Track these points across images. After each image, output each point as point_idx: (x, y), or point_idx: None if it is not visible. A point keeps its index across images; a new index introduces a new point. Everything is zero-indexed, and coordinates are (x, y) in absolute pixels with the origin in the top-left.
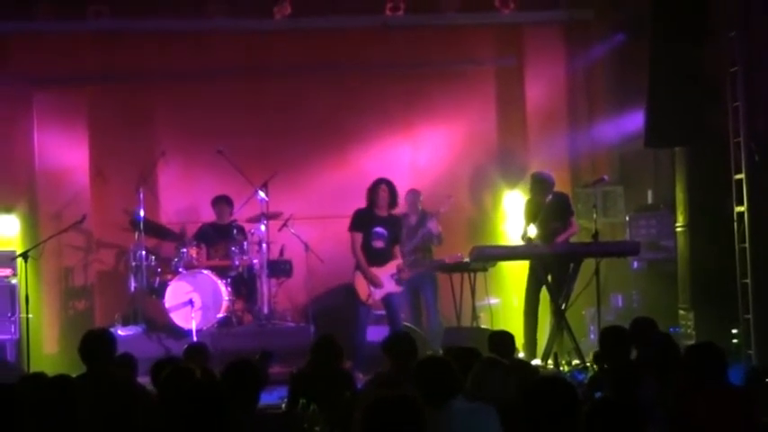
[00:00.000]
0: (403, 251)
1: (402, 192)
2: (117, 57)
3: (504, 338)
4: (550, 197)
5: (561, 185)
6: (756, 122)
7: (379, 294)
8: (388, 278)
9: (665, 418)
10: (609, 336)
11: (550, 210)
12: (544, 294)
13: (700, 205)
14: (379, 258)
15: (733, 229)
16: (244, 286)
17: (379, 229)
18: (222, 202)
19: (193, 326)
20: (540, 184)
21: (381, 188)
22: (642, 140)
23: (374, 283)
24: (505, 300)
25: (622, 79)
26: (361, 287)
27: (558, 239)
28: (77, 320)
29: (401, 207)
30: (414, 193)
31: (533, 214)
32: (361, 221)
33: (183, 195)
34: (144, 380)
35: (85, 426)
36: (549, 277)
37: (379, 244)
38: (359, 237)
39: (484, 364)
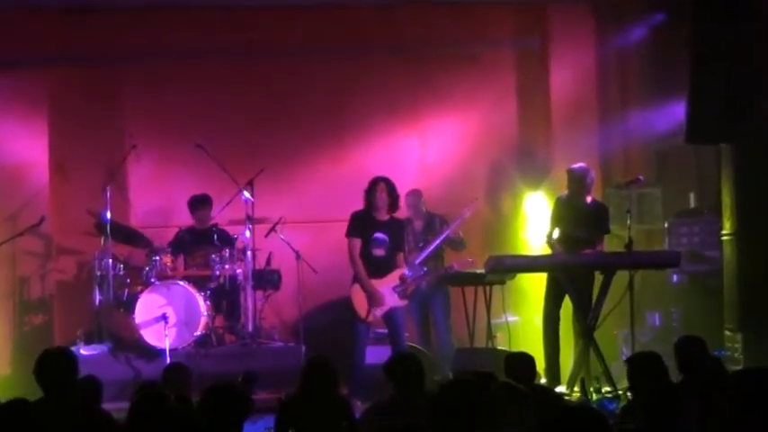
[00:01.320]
0: (409, 260)
1: (402, 193)
2: (82, 35)
3: (523, 361)
4: (590, 202)
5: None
6: None
7: (380, 310)
8: (389, 291)
9: None
10: (637, 366)
11: (584, 216)
12: (566, 312)
13: (749, 210)
14: (379, 268)
15: None
16: (225, 300)
17: (379, 235)
18: (201, 203)
19: (167, 345)
20: (579, 182)
21: (379, 188)
22: (683, 135)
23: (374, 296)
24: (525, 317)
25: (661, 65)
26: (360, 301)
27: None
28: (33, 338)
29: (401, 210)
30: (414, 195)
31: (562, 217)
32: (359, 226)
33: (156, 195)
34: (110, 406)
35: None
36: (574, 292)
37: (379, 252)
38: (357, 243)
39: (500, 390)
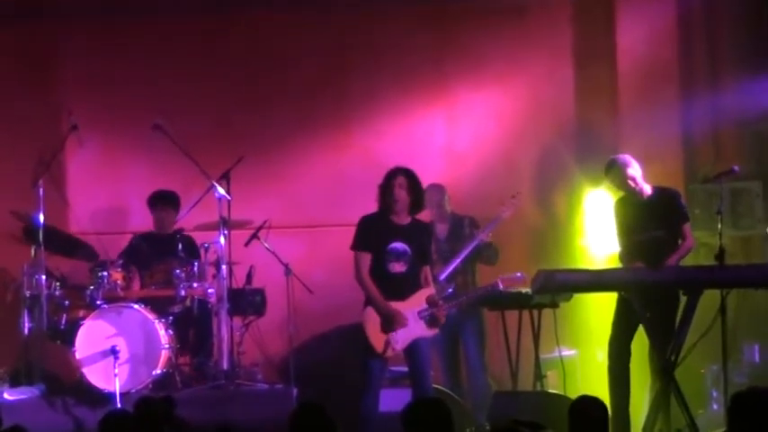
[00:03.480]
0: (434, 276)
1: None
2: None
3: (592, 409)
4: (651, 192)
5: (669, 179)
6: None
7: (402, 341)
8: (414, 317)
9: None
10: (743, 405)
11: (647, 212)
12: (639, 344)
13: None
14: (399, 288)
15: None
16: (193, 328)
17: (397, 245)
18: (163, 202)
19: (117, 387)
20: (618, 176)
21: (397, 182)
22: None
23: (396, 321)
24: (585, 351)
25: (761, 23)
26: (375, 332)
27: (668, 260)
28: None
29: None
30: (435, 191)
31: (624, 222)
32: (371, 234)
33: (103, 191)
34: None
35: None
36: (650, 318)
37: (398, 267)
38: (366, 258)
39: None
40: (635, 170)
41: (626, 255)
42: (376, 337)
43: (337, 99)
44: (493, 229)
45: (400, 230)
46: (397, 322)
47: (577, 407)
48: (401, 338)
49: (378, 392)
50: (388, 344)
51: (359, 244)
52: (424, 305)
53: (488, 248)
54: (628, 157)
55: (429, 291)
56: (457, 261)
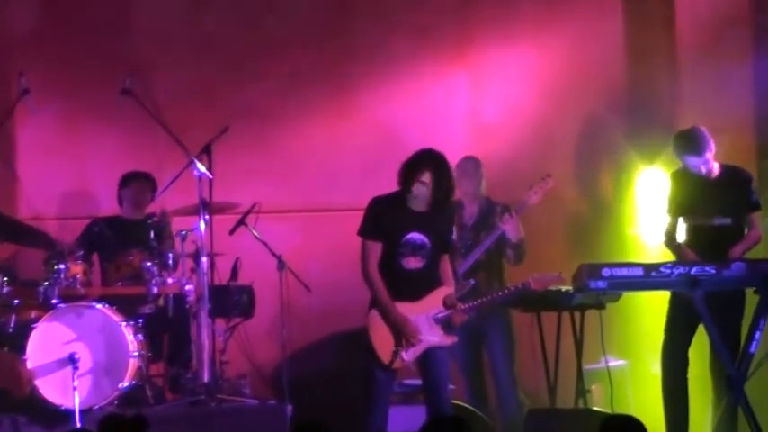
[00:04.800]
0: (455, 270)
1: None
2: None
3: (627, 429)
4: (719, 170)
5: (738, 155)
6: None
7: (412, 350)
8: (428, 321)
9: None
10: None
11: (713, 195)
12: (699, 352)
13: None
14: (413, 287)
15: None
16: (168, 333)
17: (414, 236)
18: (137, 180)
19: (76, 403)
20: (685, 148)
21: (424, 176)
22: None
23: (404, 329)
24: (637, 361)
25: None
26: (381, 337)
27: (732, 251)
28: None
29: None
30: (468, 166)
31: (685, 200)
32: (384, 219)
33: (61, 168)
34: None
35: None
36: (713, 322)
37: (413, 262)
38: (376, 249)
39: None
40: (710, 152)
41: (673, 236)
42: (382, 345)
43: (340, 57)
44: (520, 214)
45: (419, 218)
46: (406, 335)
47: (609, 426)
48: (412, 348)
49: (386, 410)
50: (396, 353)
51: (368, 230)
52: (441, 307)
53: (517, 248)
54: (703, 131)
55: (447, 290)
56: (477, 254)
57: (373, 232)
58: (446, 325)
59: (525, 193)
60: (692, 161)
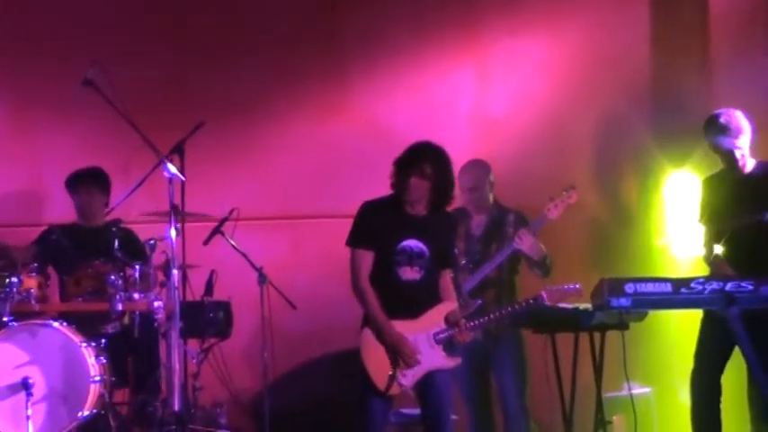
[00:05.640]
0: (459, 285)
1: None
2: None
3: None
4: (755, 167)
5: None
6: None
7: (410, 375)
8: (427, 341)
9: None
10: None
11: (750, 193)
12: (734, 378)
13: None
14: (411, 301)
15: None
16: (133, 355)
17: (411, 244)
18: (89, 183)
19: None
20: (718, 129)
21: (419, 170)
22: None
23: (400, 350)
24: (663, 388)
25: None
26: (376, 361)
27: None
28: None
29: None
30: (475, 170)
31: (718, 206)
32: (375, 226)
33: (13, 169)
34: None
35: None
36: (750, 343)
37: (410, 273)
38: (367, 258)
39: None
40: (746, 136)
41: (711, 247)
42: (377, 368)
43: (331, 47)
44: (537, 230)
45: (416, 223)
46: (404, 356)
47: None
48: (411, 371)
49: None
50: (393, 378)
51: (358, 238)
52: (443, 325)
53: (542, 265)
54: (741, 113)
55: (450, 305)
56: (486, 269)
57: (362, 240)
58: (448, 345)
59: (545, 206)
60: (725, 142)
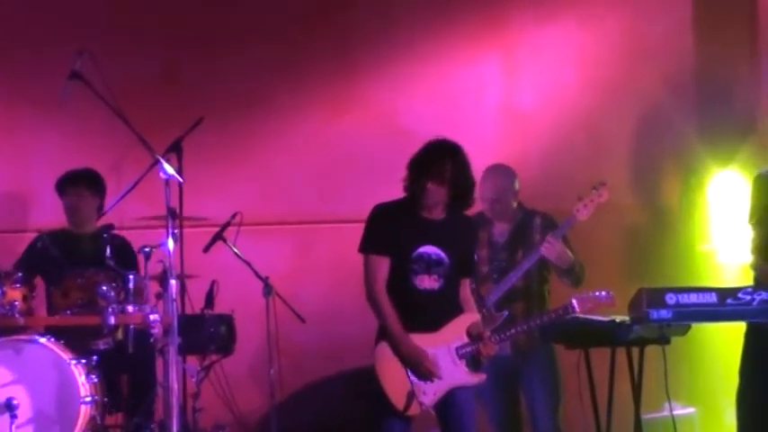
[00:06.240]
0: (482, 296)
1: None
2: None
3: None
4: None
5: None
6: None
7: (432, 393)
8: (449, 356)
9: None
10: None
11: None
12: None
13: None
14: (430, 313)
15: None
16: (128, 373)
17: (429, 250)
18: (78, 184)
19: None
20: None
21: (442, 167)
22: None
23: (420, 366)
24: (709, 408)
25: None
26: (393, 379)
27: None
28: None
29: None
30: (498, 175)
31: None
32: (390, 231)
33: None
34: None
35: None
36: None
37: (428, 282)
38: (383, 265)
39: None
40: None
41: (760, 249)
42: (394, 386)
43: (339, 35)
44: (565, 233)
45: (433, 229)
46: (423, 370)
47: None
48: (432, 388)
49: None
50: (412, 396)
51: (372, 244)
52: (465, 339)
53: (570, 274)
54: None
55: (471, 317)
56: (513, 278)
57: (377, 246)
58: (472, 361)
59: (573, 206)
60: None
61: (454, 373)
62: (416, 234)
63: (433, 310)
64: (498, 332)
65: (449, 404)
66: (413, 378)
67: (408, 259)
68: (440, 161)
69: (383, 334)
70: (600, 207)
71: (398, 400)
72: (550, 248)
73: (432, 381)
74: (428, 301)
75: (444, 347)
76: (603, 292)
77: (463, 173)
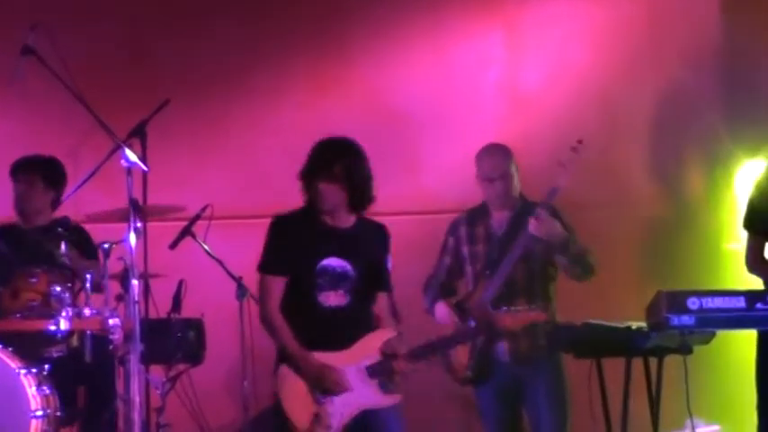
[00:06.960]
0: (477, 296)
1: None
2: None
3: None
4: None
5: None
6: None
7: (339, 414)
8: (359, 375)
9: None
10: None
11: None
12: None
13: None
14: (337, 332)
15: None
16: (84, 384)
17: (333, 262)
18: (30, 170)
19: None
20: None
21: (331, 165)
22: None
23: (326, 380)
24: (735, 425)
25: None
26: (296, 400)
27: None
28: None
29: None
30: (497, 158)
31: None
32: (288, 245)
33: None
34: None
35: None
36: None
37: (334, 298)
38: (276, 286)
39: None
40: None
41: None
42: (298, 409)
43: (325, 8)
44: (551, 202)
45: (337, 238)
46: (328, 384)
47: None
48: (339, 409)
49: None
50: (318, 418)
51: (267, 264)
52: (377, 357)
53: (564, 250)
54: None
55: (385, 333)
56: (506, 268)
57: (274, 265)
58: (385, 380)
59: (555, 173)
60: None
61: (364, 393)
62: (319, 245)
63: (341, 330)
64: (414, 354)
65: (366, 426)
66: (318, 397)
67: (312, 274)
68: (327, 158)
69: (283, 356)
70: (580, 165)
71: (302, 424)
72: (538, 225)
73: (338, 395)
74: (335, 320)
75: (353, 366)
76: (527, 309)
77: (356, 167)
